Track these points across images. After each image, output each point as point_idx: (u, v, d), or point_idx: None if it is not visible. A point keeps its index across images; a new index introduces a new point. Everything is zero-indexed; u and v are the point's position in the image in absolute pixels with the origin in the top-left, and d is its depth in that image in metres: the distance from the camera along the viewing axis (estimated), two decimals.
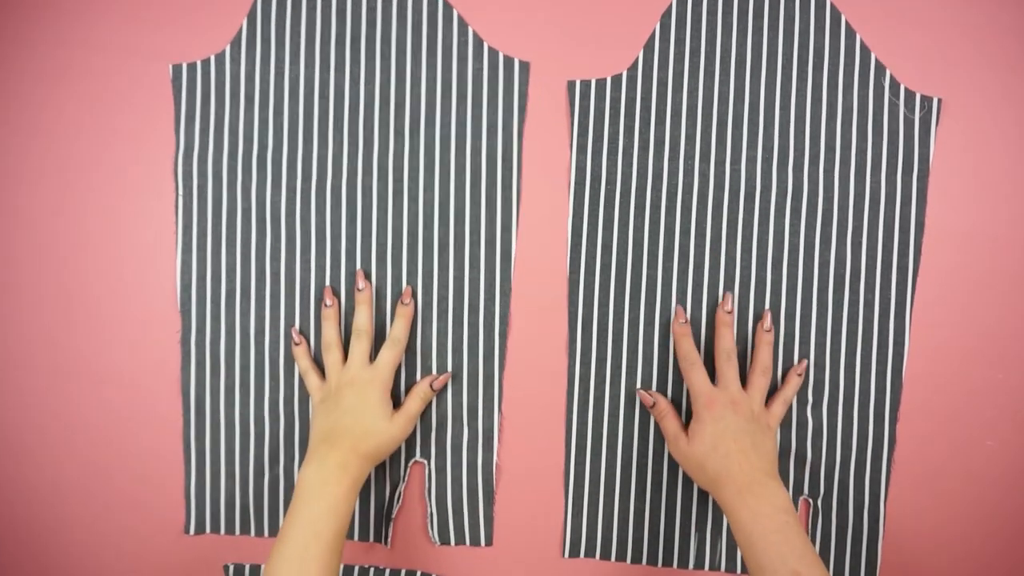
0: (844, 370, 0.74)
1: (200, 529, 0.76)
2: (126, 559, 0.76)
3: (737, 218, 0.74)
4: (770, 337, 0.72)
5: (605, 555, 0.75)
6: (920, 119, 0.74)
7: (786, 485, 0.74)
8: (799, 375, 0.72)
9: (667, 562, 0.75)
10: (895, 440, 0.74)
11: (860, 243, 0.73)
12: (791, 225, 0.73)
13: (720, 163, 0.73)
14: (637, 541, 0.75)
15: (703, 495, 0.74)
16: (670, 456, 0.74)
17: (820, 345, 0.73)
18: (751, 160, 0.73)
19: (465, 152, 0.75)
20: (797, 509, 0.74)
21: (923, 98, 0.74)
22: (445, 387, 0.74)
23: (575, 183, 0.74)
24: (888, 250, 0.73)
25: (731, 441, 0.65)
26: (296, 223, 0.75)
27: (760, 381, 0.70)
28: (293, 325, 0.74)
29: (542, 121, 0.75)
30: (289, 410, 0.75)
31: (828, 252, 0.73)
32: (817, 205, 0.73)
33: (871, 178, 0.73)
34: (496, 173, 0.75)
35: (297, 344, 0.73)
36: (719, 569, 0.75)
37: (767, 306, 0.73)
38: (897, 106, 0.74)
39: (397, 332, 0.72)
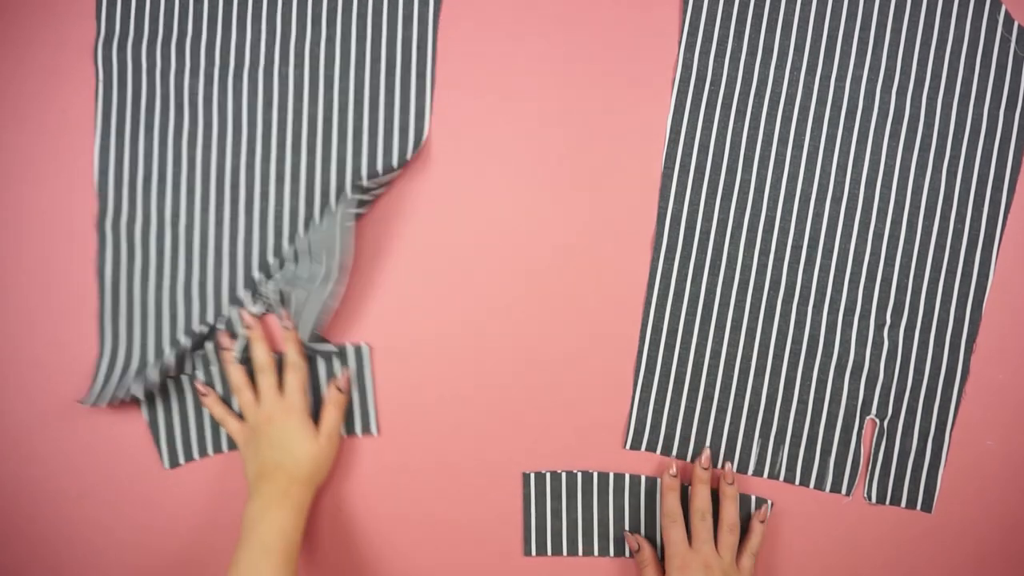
0: (925, 295, 0.74)
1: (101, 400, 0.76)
2: (22, 429, 0.78)
3: (836, 134, 0.74)
4: (734, 491, 0.72)
5: (667, 451, 0.76)
6: None
7: (855, 404, 0.75)
8: (761, 522, 0.72)
9: (741, 467, 0.76)
10: (968, 371, 0.74)
11: (956, 172, 0.74)
12: (889, 147, 0.74)
13: (825, 78, 0.75)
14: (700, 440, 0.75)
15: (770, 401, 0.75)
16: (743, 357, 0.75)
17: (904, 267, 0.74)
18: (856, 79, 0.74)
19: (381, 41, 0.77)
20: (863, 428, 0.75)
21: None
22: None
23: (680, 81, 0.75)
24: (982, 183, 0.74)
25: None
26: (213, 109, 0.77)
27: (728, 539, 0.70)
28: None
29: (457, 10, 0.77)
30: (203, 293, 0.77)
31: (923, 177, 0.74)
32: (917, 130, 0.74)
33: (973, 110, 0.74)
34: (411, 61, 0.76)
35: (204, 395, 0.73)
36: (778, 478, 0.75)
37: (856, 224, 0.74)
38: (1008, 42, 0.74)
39: (293, 356, 0.72)
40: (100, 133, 0.77)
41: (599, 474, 0.75)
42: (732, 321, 0.75)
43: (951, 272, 0.74)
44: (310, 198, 0.76)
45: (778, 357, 0.75)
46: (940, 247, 0.74)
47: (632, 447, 0.75)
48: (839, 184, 0.74)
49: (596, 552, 0.75)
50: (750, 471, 0.75)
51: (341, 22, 0.77)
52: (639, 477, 0.75)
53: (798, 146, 0.75)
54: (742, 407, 0.75)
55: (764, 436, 0.75)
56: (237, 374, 0.72)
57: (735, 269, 0.75)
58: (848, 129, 0.74)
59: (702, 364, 0.75)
